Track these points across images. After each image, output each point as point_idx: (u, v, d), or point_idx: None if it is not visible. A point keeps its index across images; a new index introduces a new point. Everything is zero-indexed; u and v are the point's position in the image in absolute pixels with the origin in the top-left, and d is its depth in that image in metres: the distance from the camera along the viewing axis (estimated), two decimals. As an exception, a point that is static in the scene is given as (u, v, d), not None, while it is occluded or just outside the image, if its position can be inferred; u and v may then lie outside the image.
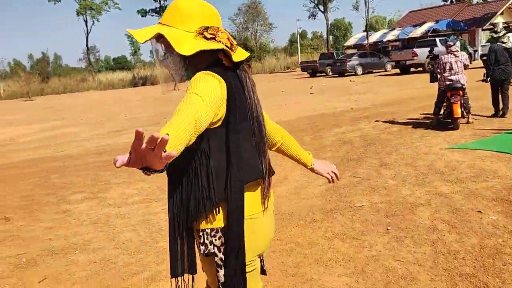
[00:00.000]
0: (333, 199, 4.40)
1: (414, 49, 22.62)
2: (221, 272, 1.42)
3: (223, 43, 1.37)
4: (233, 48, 1.40)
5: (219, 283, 1.43)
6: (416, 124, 7.95)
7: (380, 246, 3.20)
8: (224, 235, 1.40)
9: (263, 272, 1.66)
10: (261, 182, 1.51)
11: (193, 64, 1.43)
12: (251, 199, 1.45)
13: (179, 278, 1.47)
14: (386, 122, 8.55)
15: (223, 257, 1.41)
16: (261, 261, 1.64)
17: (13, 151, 9.92)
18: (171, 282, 1.51)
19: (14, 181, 6.56)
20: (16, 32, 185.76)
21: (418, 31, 31.71)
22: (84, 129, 12.72)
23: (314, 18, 56.37)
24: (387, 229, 3.49)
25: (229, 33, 1.45)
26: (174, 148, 0.99)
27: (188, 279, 1.48)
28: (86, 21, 54.01)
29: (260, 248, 1.50)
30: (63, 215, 4.74)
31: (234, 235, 1.37)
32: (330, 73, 29.45)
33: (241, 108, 1.41)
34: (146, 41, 1.38)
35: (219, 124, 1.36)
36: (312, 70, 31.78)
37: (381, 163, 5.54)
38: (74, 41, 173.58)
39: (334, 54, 31.51)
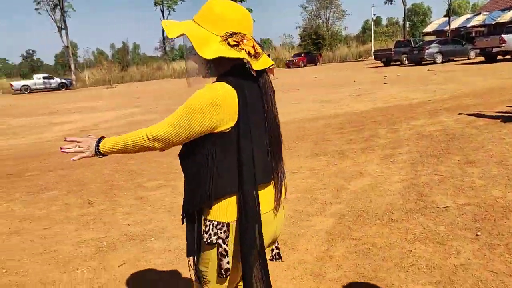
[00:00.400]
0: (412, 197, 4.12)
1: (503, 35, 20.83)
2: (225, 260, 1.53)
3: (246, 51, 1.44)
4: (257, 55, 1.47)
5: (221, 270, 1.53)
6: (506, 118, 7.27)
7: (469, 253, 2.93)
8: (235, 228, 1.51)
9: (279, 257, 1.80)
10: (272, 184, 1.60)
11: (216, 65, 1.51)
12: (261, 199, 1.53)
13: (191, 258, 1.63)
14: (470, 115, 7.91)
15: (227, 248, 1.52)
16: (277, 248, 1.79)
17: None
18: (188, 260, 1.67)
19: (98, 166, 6.94)
20: (100, 23, 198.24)
21: (507, 16, 29.18)
22: (158, 117, 13.21)
23: (391, 3, 53.90)
24: (477, 235, 3.18)
25: (255, 41, 1.50)
26: (109, 144, 1.56)
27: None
28: (162, 11, 56.10)
29: (266, 243, 1.59)
30: (140, 202, 4.92)
31: (245, 229, 1.47)
32: (406, 62, 28.07)
33: (255, 115, 1.50)
34: (174, 37, 1.48)
35: (227, 130, 1.46)
36: (386, 59, 30.53)
37: (466, 160, 5.11)
38: (152, 31, 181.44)
39: (411, 41, 29.96)
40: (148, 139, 1.49)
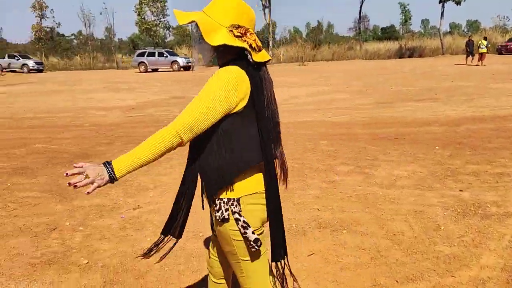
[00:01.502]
0: None
1: None
2: (249, 230, 1.60)
3: (248, 43, 1.57)
4: (258, 49, 1.60)
5: (251, 242, 1.60)
6: None
7: None
8: (240, 203, 1.61)
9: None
10: (275, 164, 1.69)
11: (221, 53, 1.64)
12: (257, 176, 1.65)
13: (166, 238, 1.81)
14: None
15: (246, 219, 1.60)
16: None
17: (295, 111, 10.71)
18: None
19: (286, 142, 6.95)
20: (299, 3, 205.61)
21: None
22: (349, 97, 12.77)
23: None
24: None
25: (257, 36, 1.62)
26: (123, 164, 1.48)
27: (169, 240, 1.84)
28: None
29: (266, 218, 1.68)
30: (330, 185, 4.64)
31: (273, 200, 1.63)
32: None
33: (259, 101, 1.59)
34: (183, 24, 1.64)
35: (239, 110, 1.56)
36: None
37: None
38: (347, 10, 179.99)
39: None
40: (178, 133, 1.49)
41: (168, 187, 4.78)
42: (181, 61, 32.62)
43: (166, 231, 1.81)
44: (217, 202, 1.62)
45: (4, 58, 37.21)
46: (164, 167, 5.55)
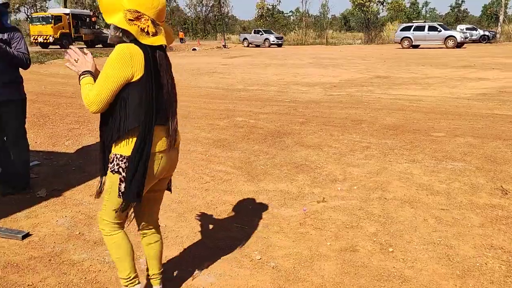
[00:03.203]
0: None
1: None
2: (122, 185, 2.01)
3: (139, 27, 1.87)
4: (150, 34, 1.90)
5: (120, 192, 2.02)
6: None
7: None
8: (128, 161, 1.97)
9: (169, 189, 2.38)
10: (167, 129, 2.07)
11: (124, 32, 1.94)
12: (159, 139, 2.03)
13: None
14: None
15: (125, 175, 1.98)
16: (169, 183, 2.34)
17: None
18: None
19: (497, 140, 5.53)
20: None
21: None
22: None
23: None
24: None
25: (153, 23, 1.91)
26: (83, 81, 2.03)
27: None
28: None
29: (159, 175, 2.11)
30: None
31: (135, 162, 1.96)
32: None
33: (156, 75, 1.96)
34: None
35: (135, 81, 1.91)
36: None
37: None
38: None
39: None
40: (87, 105, 1.94)
41: (358, 182, 4.24)
42: (459, 36, 29.61)
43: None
44: (112, 156, 2.02)
45: (250, 33, 41.94)
46: (358, 157, 5.00)
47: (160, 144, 2.04)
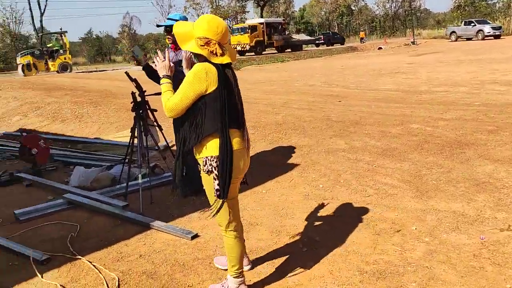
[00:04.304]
0: None
1: None
2: (216, 182, 2.36)
3: (209, 51, 2.31)
4: (217, 55, 2.32)
5: (215, 189, 2.38)
6: None
7: None
8: (218, 160, 2.33)
9: (245, 183, 2.72)
10: (241, 132, 2.46)
11: (196, 55, 2.41)
12: (236, 140, 2.40)
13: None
14: None
15: (217, 173, 2.35)
16: (244, 177, 2.62)
17: None
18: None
19: None
20: None
21: None
22: None
23: None
24: None
25: (219, 45, 2.33)
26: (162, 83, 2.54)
27: None
28: None
29: (244, 170, 2.51)
30: None
31: (224, 160, 2.32)
32: None
33: (227, 87, 2.34)
34: (174, 32, 2.50)
35: (210, 92, 2.30)
36: None
37: None
38: None
39: None
40: (166, 111, 2.38)
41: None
42: None
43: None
44: (204, 160, 2.41)
45: (459, 26, 36.07)
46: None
47: (239, 144, 2.41)
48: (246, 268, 2.87)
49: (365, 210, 3.78)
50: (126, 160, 4.56)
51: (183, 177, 2.56)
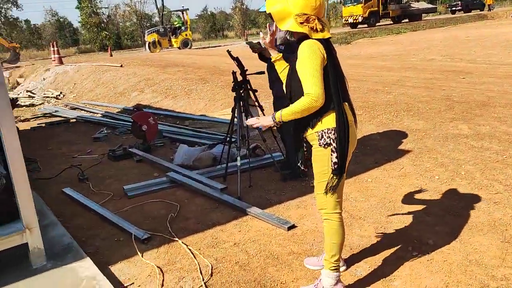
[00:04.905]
0: None
1: None
2: (334, 155, 2.22)
3: (309, 27, 2.16)
4: (318, 30, 2.16)
5: (332, 162, 2.23)
6: None
7: None
8: (336, 132, 2.21)
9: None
10: (349, 105, 2.35)
11: (292, 34, 2.31)
12: (348, 113, 2.29)
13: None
14: None
15: (335, 146, 2.21)
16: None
17: None
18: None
19: None
20: None
21: None
22: None
23: None
24: None
25: (318, 20, 2.17)
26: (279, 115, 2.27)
27: None
28: None
29: (355, 143, 2.34)
30: None
31: (342, 131, 2.21)
32: None
33: (330, 61, 2.20)
34: (269, 12, 2.30)
35: (325, 66, 2.18)
36: None
37: None
38: None
39: None
40: (313, 98, 2.12)
41: None
42: None
43: None
44: (320, 133, 2.26)
45: None
46: None
47: (350, 116, 2.30)
48: (341, 268, 2.56)
49: (492, 211, 3.21)
50: (226, 141, 4.49)
51: (293, 159, 2.50)
